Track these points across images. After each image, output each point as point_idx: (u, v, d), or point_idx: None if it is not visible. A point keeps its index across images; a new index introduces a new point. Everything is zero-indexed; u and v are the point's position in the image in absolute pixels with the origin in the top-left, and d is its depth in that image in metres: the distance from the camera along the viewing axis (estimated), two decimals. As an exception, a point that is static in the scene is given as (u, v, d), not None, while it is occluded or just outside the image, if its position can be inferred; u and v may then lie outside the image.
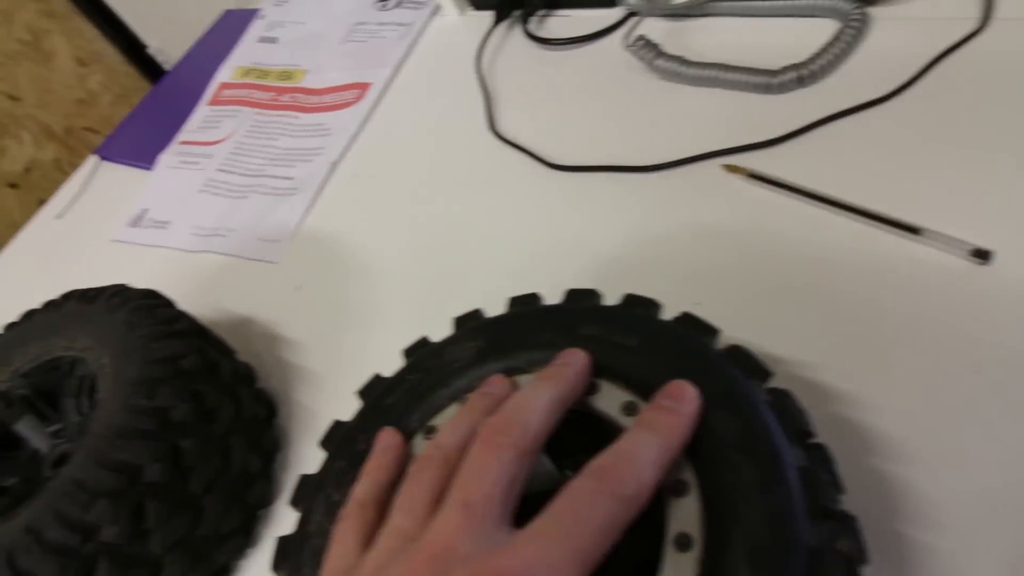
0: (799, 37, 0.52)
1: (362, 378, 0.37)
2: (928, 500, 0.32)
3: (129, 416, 0.37)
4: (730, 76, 0.52)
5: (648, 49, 0.55)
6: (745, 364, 0.30)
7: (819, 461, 0.28)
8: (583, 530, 0.23)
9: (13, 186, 1.55)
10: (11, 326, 0.48)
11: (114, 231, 0.70)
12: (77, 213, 0.76)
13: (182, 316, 0.45)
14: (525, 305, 0.36)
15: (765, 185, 0.46)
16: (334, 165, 0.65)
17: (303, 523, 0.32)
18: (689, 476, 0.26)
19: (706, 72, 0.53)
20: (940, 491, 0.32)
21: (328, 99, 0.72)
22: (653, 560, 0.25)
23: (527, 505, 0.27)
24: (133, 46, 1.67)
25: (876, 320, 0.39)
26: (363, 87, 0.70)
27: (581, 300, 0.35)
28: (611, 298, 0.35)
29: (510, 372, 0.32)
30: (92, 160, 0.80)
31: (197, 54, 0.89)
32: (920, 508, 0.32)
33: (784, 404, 0.28)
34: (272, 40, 0.82)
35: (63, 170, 1.63)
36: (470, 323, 0.36)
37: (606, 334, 0.31)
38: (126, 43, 1.67)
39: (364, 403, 0.36)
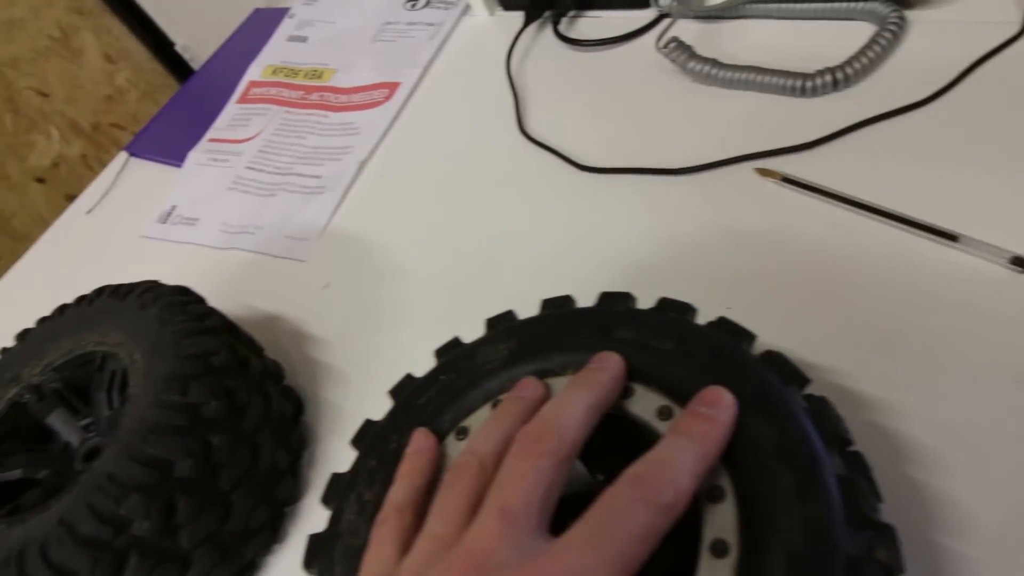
0: (834, 40, 0.51)
1: (389, 377, 0.37)
2: (963, 510, 0.32)
3: (161, 412, 0.37)
4: (764, 79, 0.51)
5: (681, 51, 0.54)
6: (782, 370, 0.29)
7: (857, 469, 0.28)
8: (621, 538, 0.23)
9: (40, 181, 1.57)
10: (43, 320, 0.49)
11: (143, 227, 0.70)
12: (106, 209, 0.77)
13: (213, 313, 0.45)
14: (558, 307, 0.36)
15: (798, 189, 0.45)
16: (362, 164, 0.65)
17: (334, 521, 0.32)
18: (725, 482, 0.26)
19: (739, 75, 0.52)
20: (976, 501, 0.32)
21: (357, 98, 0.72)
22: (689, 565, 0.25)
23: (557, 508, 0.27)
24: (160, 44, 1.69)
25: (911, 328, 0.38)
26: (392, 87, 0.70)
27: (615, 303, 0.34)
28: (642, 301, 0.35)
29: (542, 374, 0.32)
30: (121, 156, 0.81)
31: (227, 52, 0.89)
32: (955, 518, 0.32)
33: (822, 411, 0.28)
34: (302, 39, 0.83)
35: (89, 166, 1.65)
36: (503, 324, 0.36)
37: (641, 338, 0.31)
38: (154, 41, 1.68)
39: (395, 402, 0.35)
